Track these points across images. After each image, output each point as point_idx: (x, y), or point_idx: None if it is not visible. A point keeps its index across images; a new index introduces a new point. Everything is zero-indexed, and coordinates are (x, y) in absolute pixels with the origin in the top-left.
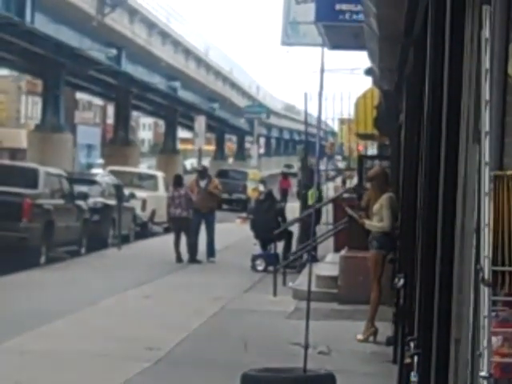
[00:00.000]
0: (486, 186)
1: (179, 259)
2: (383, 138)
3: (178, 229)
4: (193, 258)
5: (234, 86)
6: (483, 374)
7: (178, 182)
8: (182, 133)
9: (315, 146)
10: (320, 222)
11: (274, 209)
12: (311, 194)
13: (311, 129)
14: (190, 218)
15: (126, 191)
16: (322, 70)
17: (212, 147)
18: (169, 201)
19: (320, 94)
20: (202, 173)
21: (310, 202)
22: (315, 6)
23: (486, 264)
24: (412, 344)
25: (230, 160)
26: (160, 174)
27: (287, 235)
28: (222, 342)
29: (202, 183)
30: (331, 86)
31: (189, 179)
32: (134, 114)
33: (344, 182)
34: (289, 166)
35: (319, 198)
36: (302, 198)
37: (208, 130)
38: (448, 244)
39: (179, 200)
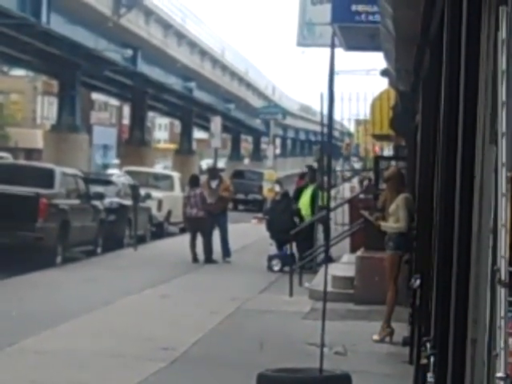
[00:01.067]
0: (503, 186)
1: (195, 259)
2: (399, 139)
3: (194, 229)
4: (209, 259)
5: (249, 86)
6: (500, 374)
7: (194, 182)
8: (198, 133)
9: (331, 146)
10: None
11: (290, 209)
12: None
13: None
14: (206, 218)
15: (142, 191)
16: (332, 70)
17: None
18: (185, 200)
19: (331, 94)
20: (213, 173)
21: (320, 203)
22: (331, 6)
23: (502, 265)
24: (428, 344)
25: (246, 160)
26: (176, 175)
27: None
28: (238, 342)
29: (213, 184)
30: (347, 87)
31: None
32: (150, 114)
33: (361, 183)
34: (310, 167)
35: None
36: (314, 198)
37: (224, 130)
38: (464, 245)
39: (195, 200)
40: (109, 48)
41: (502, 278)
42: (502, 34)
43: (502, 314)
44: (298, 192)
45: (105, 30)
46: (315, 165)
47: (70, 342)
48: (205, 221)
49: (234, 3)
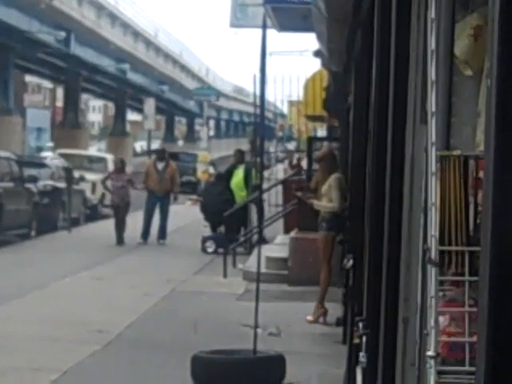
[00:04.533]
0: (433, 166)
1: (119, 242)
2: (332, 120)
3: (117, 214)
4: (120, 240)
5: (183, 68)
6: (430, 353)
7: (119, 167)
8: (132, 115)
9: (264, 127)
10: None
11: (225, 191)
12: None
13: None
14: (124, 206)
15: (76, 174)
16: (264, 51)
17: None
18: (104, 182)
19: (263, 75)
20: (161, 155)
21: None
22: None
23: (433, 244)
24: (361, 324)
25: (180, 142)
26: (109, 157)
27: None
28: (172, 324)
29: (160, 165)
30: (281, 69)
31: (139, 161)
32: (84, 96)
33: (291, 164)
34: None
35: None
36: (247, 179)
37: (157, 112)
38: (395, 224)
39: (116, 187)
40: (42, 30)
41: (432, 257)
42: (432, 13)
43: (433, 293)
44: (228, 173)
45: (37, 11)
46: (249, 146)
47: (3, 327)
48: (124, 208)
49: None
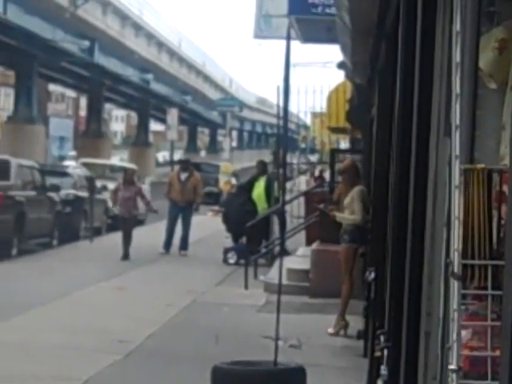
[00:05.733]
0: (457, 179)
1: (125, 257)
2: (355, 132)
3: (123, 227)
4: (126, 254)
5: (206, 78)
6: (452, 367)
7: (129, 178)
8: (155, 125)
9: (287, 139)
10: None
11: (247, 202)
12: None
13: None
14: (132, 219)
15: (99, 183)
16: (288, 63)
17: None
18: (111, 195)
19: (286, 86)
20: (185, 165)
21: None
22: None
23: (455, 257)
24: (382, 337)
25: (203, 153)
26: (132, 167)
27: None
28: (193, 335)
29: (183, 176)
30: (304, 80)
31: (161, 171)
32: (107, 106)
33: (313, 176)
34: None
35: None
36: (268, 190)
37: (180, 122)
38: (418, 237)
39: (123, 198)
40: (66, 39)
41: (455, 270)
42: (457, 26)
43: (455, 306)
44: (250, 184)
45: (62, 20)
46: (271, 158)
47: (25, 334)
48: (131, 220)
49: None
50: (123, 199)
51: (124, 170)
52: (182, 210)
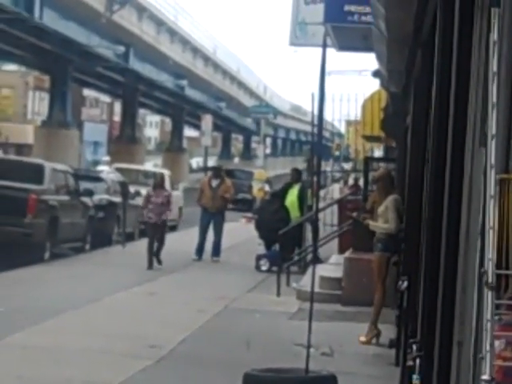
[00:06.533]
0: (492, 189)
1: (151, 265)
2: (390, 141)
3: (152, 234)
4: (158, 259)
5: (241, 85)
6: (485, 377)
7: (159, 183)
8: (189, 131)
9: (322, 147)
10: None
11: (280, 209)
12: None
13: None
14: (164, 225)
15: (132, 189)
16: (324, 70)
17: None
18: (144, 202)
19: (321, 94)
20: (216, 172)
21: (310, 202)
22: (324, 6)
23: (489, 267)
24: (414, 346)
25: (236, 159)
26: (166, 172)
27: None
28: (225, 341)
29: (214, 183)
30: (339, 88)
31: (195, 178)
32: (141, 111)
33: (346, 183)
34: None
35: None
36: (301, 198)
37: (214, 129)
38: (452, 247)
39: (156, 204)
40: (101, 44)
41: (489, 280)
42: (494, 35)
43: (489, 316)
44: (283, 191)
45: (97, 25)
46: (305, 165)
47: (57, 338)
48: (163, 227)
49: (227, 1)
50: (155, 204)
51: (154, 175)
52: (213, 217)
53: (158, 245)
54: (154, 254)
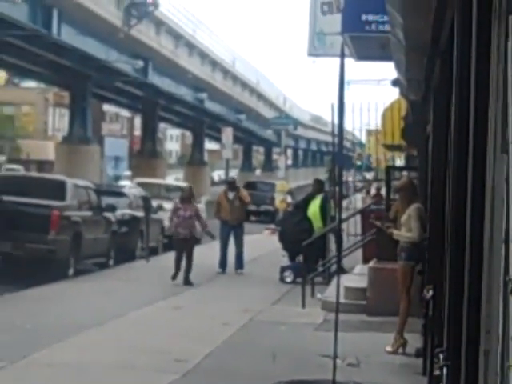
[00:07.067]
0: None
1: (175, 276)
2: (411, 149)
3: (181, 249)
4: (187, 280)
5: (260, 97)
6: None
7: (187, 196)
8: (210, 144)
9: (343, 156)
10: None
11: (303, 220)
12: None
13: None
14: (193, 240)
15: (154, 203)
16: (342, 80)
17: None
18: (171, 215)
19: (341, 104)
20: (231, 185)
21: (333, 213)
22: (342, 17)
23: None
24: (441, 355)
25: (258, 171)
26: (187, 185)
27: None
28: (251, 354)
29: (231, 195)
30: (358, 97)
31: (216, 191)
32: (161, 125)
33: (368, 193)
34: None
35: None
36: (323, 209)
37: (235, 141)
38: (477, 255)
39: (184, 218)
40: (120, 59)
41: None
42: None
43: None
44: (306, 202)
45: (115, 40)
46: (326, 175)
47: (82, 355)
48: (192, 242)
49: (245, 14)
50: (183, 218)
51: (181, 188)
52: (233, 229)
53: (187, 263)
54: (184, 274)
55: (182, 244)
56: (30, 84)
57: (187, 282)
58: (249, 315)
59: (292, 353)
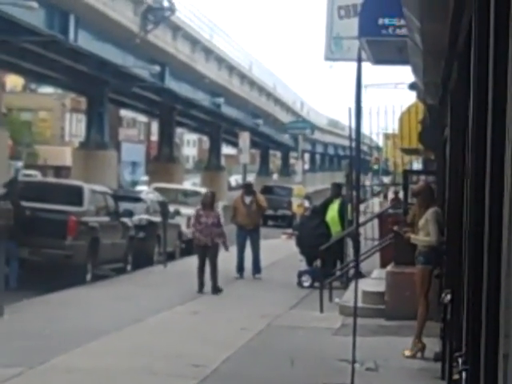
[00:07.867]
0: None
1: (201, 288)
2: (428, 153)
3: (204, 256)
4: (215, 287)
5: (277, 101)
6: None
7: (209, 202)
8: (227, 149)
9: (360, 161)
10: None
11: (321, 225)
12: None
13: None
14: (215, 246)
15: (171, 208)
16: (360, 84)
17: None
18: (193, 221)
19: (358, 108)
20: (248, 189)
21: (350, 217)
22: (358, 20)
23: None
24: (460, 360)
25: (275, 176)
26: (205, 191)
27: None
28: (269, 358)
29: (248, 199)
30: (376, 101)
31: (234, 195)
32: (178, 130)
33: (386, 197)
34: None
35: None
36: (342, 213)
37: (252, 146)
38: (494, 258)
39: (206, 224)
40: (136, 64)
41: None
42: None
43: None
44: (324, 206)
45: (132, 46)
46: (344, 180)
47: (100, 360)
48: (214, 249)
49: (261, 19)
50: (206, 225)
51: (201, 193)
52: (250, 234)
53: (212, 272)
54: (212, 283)
55: (203, 251)
56: (47, 90)
57: (216, 290)
58: (267, 320)
59: (310, 358)
